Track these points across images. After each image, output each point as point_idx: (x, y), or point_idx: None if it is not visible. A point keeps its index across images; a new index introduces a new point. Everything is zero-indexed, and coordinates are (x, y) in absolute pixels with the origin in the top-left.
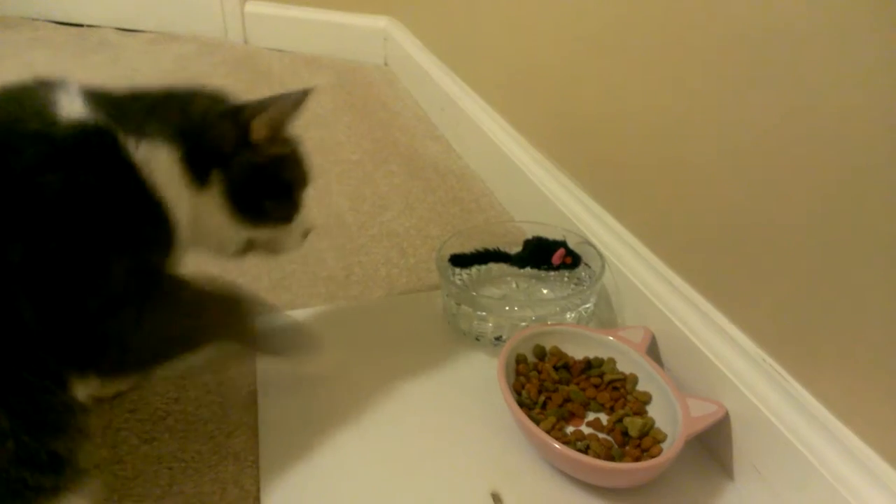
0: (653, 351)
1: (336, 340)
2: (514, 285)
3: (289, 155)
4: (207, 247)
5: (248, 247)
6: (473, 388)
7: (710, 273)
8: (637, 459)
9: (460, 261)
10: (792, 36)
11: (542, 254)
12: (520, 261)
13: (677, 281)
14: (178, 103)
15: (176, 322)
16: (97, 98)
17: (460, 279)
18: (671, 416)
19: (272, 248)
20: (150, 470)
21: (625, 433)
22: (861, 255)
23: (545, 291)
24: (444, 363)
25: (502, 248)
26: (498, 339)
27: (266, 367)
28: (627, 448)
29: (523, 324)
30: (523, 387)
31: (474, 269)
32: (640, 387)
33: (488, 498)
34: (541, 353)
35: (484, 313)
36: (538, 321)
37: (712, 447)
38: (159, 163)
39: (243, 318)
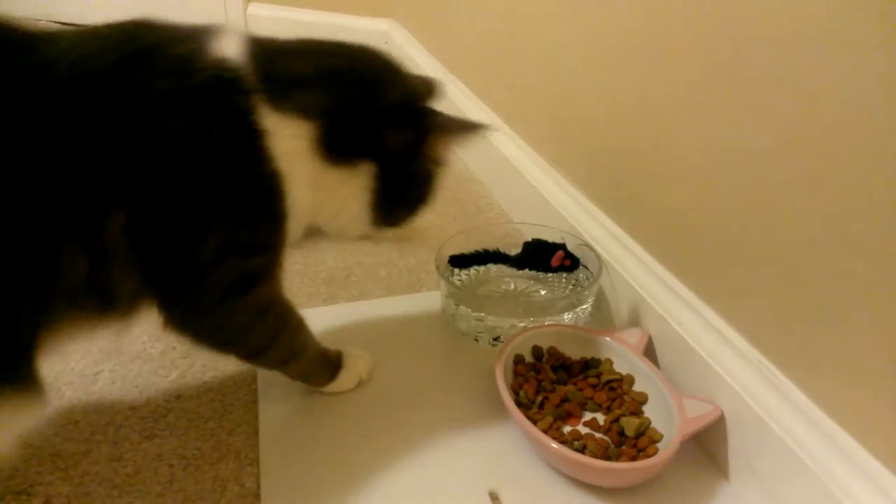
0: (649, 352)
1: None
2: (512, 286)
3: (434, 172)
4: (327, 226)
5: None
6: (472, 387)
7: (706, 275)
8: (633, 459)
9: (460, 262)
10: (794, 37)
11: (541, 256)
12: (519, 262)
13: (674, 283)
14: (358, 78)
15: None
16: (261, 50)
17: (459, 280)
18: (667, 417)
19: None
20: (151, 466)
21: (621, 433)
22: (856, 256)
23: (543, 293)
24: (443, 363)
25: (502, 250)
26: (496, 339)
27: None
28: (624, 448)
29: (521, 324)
30: (521, 387)
31: (473, 270)
32: (637, 387)
33: (486, 497)
34: (539, 354)
35: (483, 314)
36: (536, 322)
37: (708, 447)
38: (288, 135)
39: None
